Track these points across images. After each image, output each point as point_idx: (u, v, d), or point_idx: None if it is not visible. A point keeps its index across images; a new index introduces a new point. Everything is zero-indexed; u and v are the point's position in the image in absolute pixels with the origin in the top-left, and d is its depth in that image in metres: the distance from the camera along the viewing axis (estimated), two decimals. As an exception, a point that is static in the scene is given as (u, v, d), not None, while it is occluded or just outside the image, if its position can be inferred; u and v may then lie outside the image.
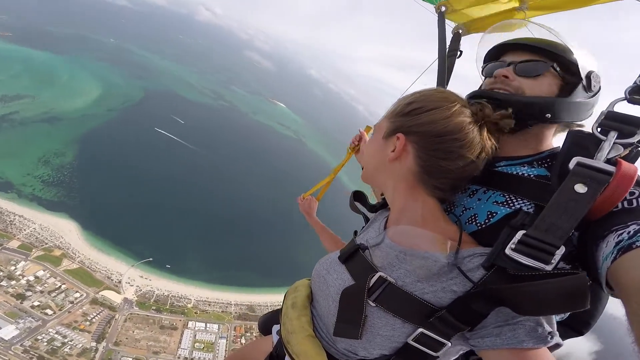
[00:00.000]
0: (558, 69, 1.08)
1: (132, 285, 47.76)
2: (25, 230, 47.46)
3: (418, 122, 0.99)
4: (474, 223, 1.02)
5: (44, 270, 43.60)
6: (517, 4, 1.82)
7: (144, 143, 76.93)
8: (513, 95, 1.08)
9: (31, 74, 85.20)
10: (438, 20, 2.03)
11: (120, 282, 47.23)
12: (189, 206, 66.98)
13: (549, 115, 1.04)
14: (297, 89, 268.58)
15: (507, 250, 0.76)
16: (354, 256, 1.02)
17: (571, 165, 0.82)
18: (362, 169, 1.21)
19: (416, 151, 0.98)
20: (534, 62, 1.10)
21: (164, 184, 68.89)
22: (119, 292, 45.84)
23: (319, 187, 2.25)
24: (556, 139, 1.14)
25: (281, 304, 1.20)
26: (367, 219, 1.45)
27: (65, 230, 50.15)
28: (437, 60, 1.93)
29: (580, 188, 0.76)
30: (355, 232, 1.31)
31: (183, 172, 74.96)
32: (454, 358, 0.93)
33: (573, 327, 1.07)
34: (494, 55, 1.26)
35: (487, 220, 1.00)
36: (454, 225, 0.97)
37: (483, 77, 1.30)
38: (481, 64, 1.33)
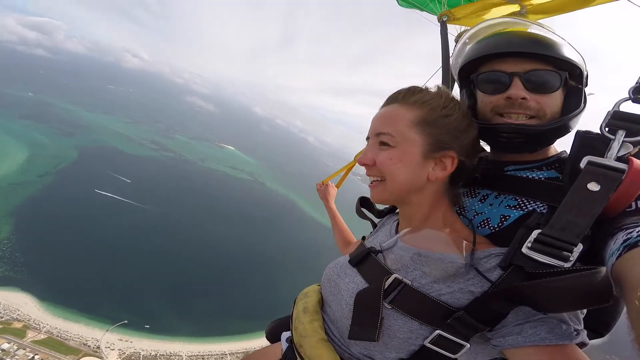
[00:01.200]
0: (568, 77, 1.03)
1: (113, 350, 45.90)
2: (-28, 308, 44.13)
3: (466, 141, 0.99)
4: (486, 227, 1.04)
5: (8, 343, 40.99)
6: (517, 9, 1.78)
7: (86, 207, 73.80)
8: (549, 125, 1.01)
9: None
10: (440, 30, 2.03)
11: (99, 347, 45.40)
12: (152, 263, 65.07)
13: (570, 130, 1.04)
14: (244, 129, 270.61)
15: (524, 249, 0.76)
16: (365, 260, 1.03)
17: (582, 164, 0.82)
18: (374, 185, 1.04)
19: (453, 166, 0.99)
20: (545, 73, 1.01)
21: (119, 244, 66.57)
22: (100, 357, 43.76)
23: (338, 174, 2.34)
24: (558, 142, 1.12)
25: (291, 309, 1.21)
26: (374, 225, 1.46)
27: (20, 303, 47.50)
28: (441, 68, 1.93)
29: (593, 186, 0.76)
30: (364, 237, 1.33)
31: (137, 230, 73.03)
32: None
33: (592, 328, 1.05)
34: (478, 61, 1.12)
35: (500, 224, 1.01)
36: (467, 229, 0.99)
37: (461, 85, 1.23)
38: (458, 64, 1.22)
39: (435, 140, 0.96)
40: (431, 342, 0.84)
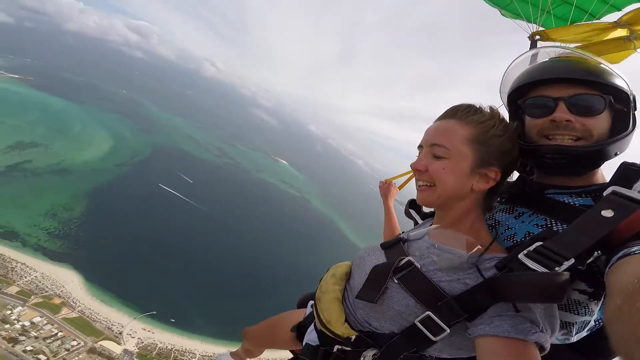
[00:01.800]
0: (614, 101, 1.06)
1: (133, 337, 48.19)
2: (25, 277, 49.16)
3: (509, 160, 1.11)
4: (511, 240, 1.13)
5: (41, 317, 44.02)
6: (625, 34, 1.72)
7: (150, 200, 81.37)
8: (593, 146, 1.04)
9: (47, 122, 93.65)
10: (530, 47, 1.95)
11: (121, 333, 47.81)
12: (195, 262, 69.42)
13: (618, 153, 1.06)
14: (298, 146, 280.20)
15: (520, 255, 0.85)
16: (394, 246, 1.19)
17: (605, 192, 0.88)
18: (423, 189, 1.15)
19: (495, 180, 1.10)
20: (589, 97, 1.05)
21: (170, 240, 72.39)
22: (119, 343, 46.00)
23: (402, 177, 2.50)
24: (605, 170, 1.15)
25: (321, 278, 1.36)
26: (416, 224, 1.59)
27: (67, 281, 51.95)
28: None
29: (607, 213, 0.82)
30: (402, 232, 1.50)
31: (189, 228, 78.93)
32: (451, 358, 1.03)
33: (588, 357, 1.11)
34: (526, 89, 1.19)
35: (523, 239, 1.09)
36: (490, 237, 1.10)
37: (511, 108, 1.30)
38: (506, 91, 1.29)
39: (484, 157, 1.07)
40: (420, 322, 0.95)
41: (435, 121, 1.18)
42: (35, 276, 50.44)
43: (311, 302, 1.44)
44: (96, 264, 56.96)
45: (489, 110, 1.12)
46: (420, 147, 1.18)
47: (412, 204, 1.63)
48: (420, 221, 1.58)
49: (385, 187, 2.44)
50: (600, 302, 0.98)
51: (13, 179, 66.71)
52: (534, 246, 0.86)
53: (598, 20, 1.99)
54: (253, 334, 1.91)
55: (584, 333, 1.04)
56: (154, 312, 52.50)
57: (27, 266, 51.23)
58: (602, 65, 1.10)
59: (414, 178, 2.35)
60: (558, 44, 1.30)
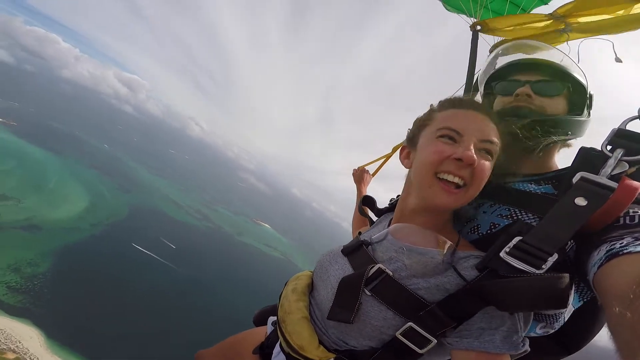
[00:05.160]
0: (571, 89, 1.21)
1: None
2: (-25, 329, 46.30)
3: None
4: (475, 233, 1.12)
5: None
6: (561, 26, 1.87)
7: (122, 262, 78.96)
8: (548, 115, 1.16)
9: (22, 173, 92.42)
10: (472, 38, 2.10)
11: None
12: (170, 323, 66.51)
13: (570, 132, 1.15)
14: (282, 209, 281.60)
15: (502, 254, 0.81)
16: (357, 250, 1.09)
17: (574, 180, 0.88)
18: (455, 191, 0.99)
19: None
20: (551, 82, 1.21)
21: (144, 302, 69.22)
22: None
23: (375, 162, 2.47)
24: (558, 158, 1.21)
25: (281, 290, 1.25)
26: (371, 222, 1.58)
27: (25, 336, 49.37)
28: (466, 76, 1.96)
29: (580, 201, 0.82)
30: (359, 233, 1.42)
31: (165, 290, 76.05)
32: None
33: (563, 345, 1.14)
34: (502, 74, 1.35)
35: (488, 231, 1.09)
36: (455, 231, 1.09)
37: (485, 93, 1.41)
38: (486, 77, 1.42)
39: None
40: (402, 334, 0.88)
41: (475, 111, 1.06)
42: (-12, 329, 47.11)
43: (271, 318, 1.35)
44: (59, 321, 54.43)
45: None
46: (455, 132, 1.01)
47: (366, 200, 1.63)
48: (375, 218, 1.58)
49: (359, 174, 2.44)
50: (574, 290, 0.98)
51: (-24, 231, 64.15)
52: (514, 242, 0.82)
53: (534, 13, 2.16)
54: (209, 359, 1.73)
55: (562, 323, 1.05)
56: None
57: (-21, 318, 47.96)
58: (566, 58, 1.27)
59: (386, 163, 2.50)
60: (527, 41, 1.54)
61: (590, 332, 1.12)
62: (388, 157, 2.65)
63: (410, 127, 1.22)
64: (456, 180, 0.98)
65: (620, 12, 1.74)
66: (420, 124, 1.15)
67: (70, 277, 65.29)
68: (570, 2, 1.81)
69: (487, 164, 1.00)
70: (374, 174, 2.49)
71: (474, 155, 0.95)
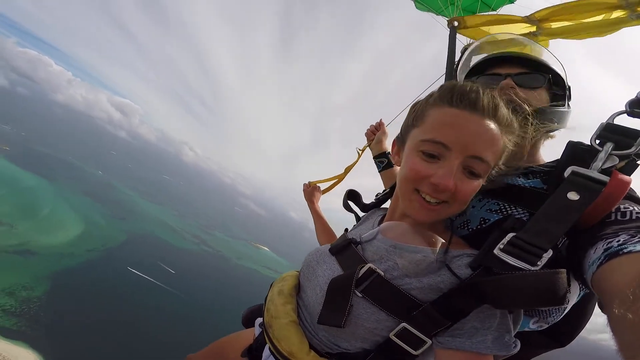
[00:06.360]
0: (552, 81, 1.23)
1: None
2: (-30, 352, 44.88)
3: None
4: (465, 228, 1.11)
5: None
6: (532, 29, 1.90)
7: (121, 284, 78.04)
8: (530, 104, 1.11)
9: (15, 199, 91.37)
10: (449, 34, 2.09)
11: None
12: (165, 350, 65.04)
13: (555, 119, 1.14)
14: (280, 232, 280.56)
15: (495, 251, 0.80)
16: (345, 250, 1.06)
17: (566, 174, 0.87)
18: (435, 208, 0.95)
19: None
20: (532, 75, 1.22)
21: (143, 326, 68.33)
22: None
23: (328, 181, 2.46)
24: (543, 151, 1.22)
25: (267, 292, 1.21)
26: (358, 218, 1.55)
27: (21, 359, 48.41)
28: (445, 73, 1.96)
29: (572, 195, 0.81)
30: (346, 229, 1.39)
31: (166, 316, 75.15)
32: None
33: (555, 338, 1.15)
34: (482, 68, 1.35)
35: (479, 226, 1.07)
36: (446, 228, 1.07)
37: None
38: (463, 74, 1.41)
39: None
40: (396, 335, 0.86)
41: (468, 112, 0.91)
42: (-18, 351, 45.66)
43: (259, 320, 1.28)
44: (56, 345, 53.60)
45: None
46: (437, 142, 0.91)
47: (351, 195, 1.63)
48: (361, 214, 1.55)
49: (309, 191, 2.42)
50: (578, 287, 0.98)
51: (-31, 255, 63.15)
52: (507, 238, 0.81)
53: (511, 14, 2.19)
54: None
55: (557, 318, 1.05)
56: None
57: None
58: (545, 52, 1.33)
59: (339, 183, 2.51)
60: (515, 34, 1.57)
61: (580, 324, 1.14)
62: (341, 178, 2.61)
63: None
64: (430, 200, 0.95)
65: (595, 19, 1.80)
66: (411, 123, 1.05)
67: (66, 301, 64.18)
68: (548, 8, 1.90)
69: (473, 185, 0.93)
70: (324, 192, 2.50)
71: (451, 184, 0.89)
